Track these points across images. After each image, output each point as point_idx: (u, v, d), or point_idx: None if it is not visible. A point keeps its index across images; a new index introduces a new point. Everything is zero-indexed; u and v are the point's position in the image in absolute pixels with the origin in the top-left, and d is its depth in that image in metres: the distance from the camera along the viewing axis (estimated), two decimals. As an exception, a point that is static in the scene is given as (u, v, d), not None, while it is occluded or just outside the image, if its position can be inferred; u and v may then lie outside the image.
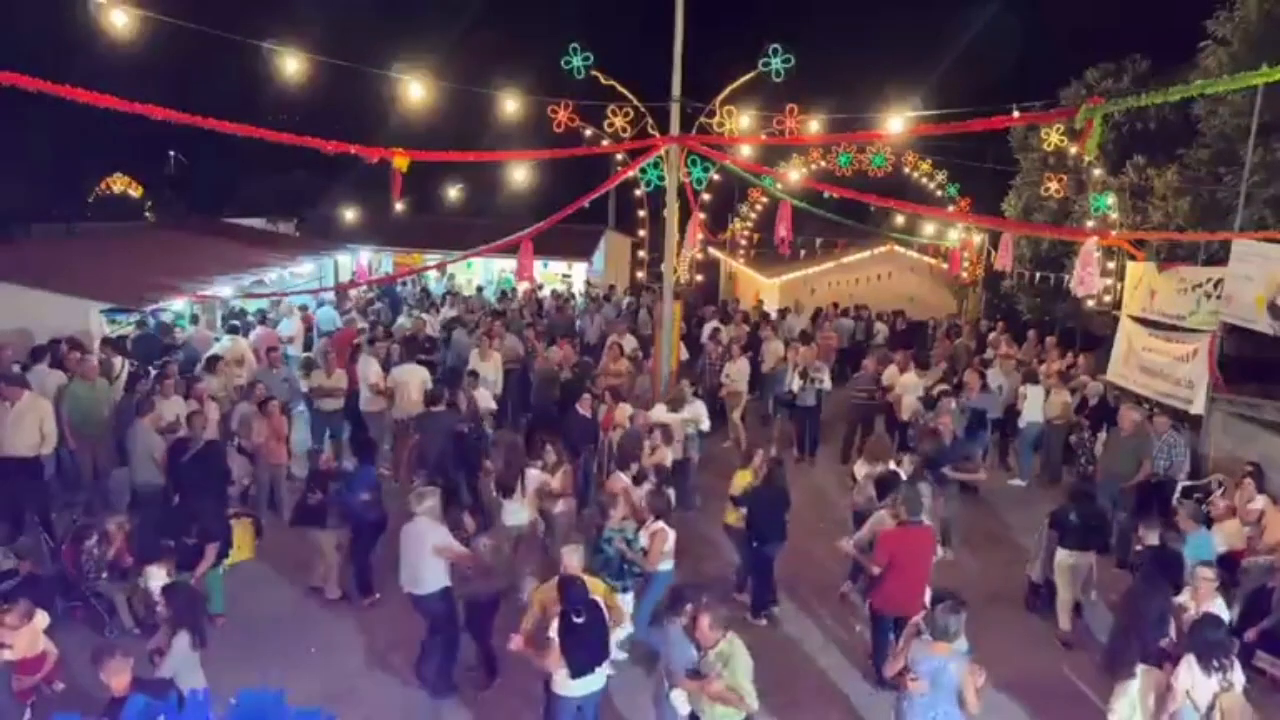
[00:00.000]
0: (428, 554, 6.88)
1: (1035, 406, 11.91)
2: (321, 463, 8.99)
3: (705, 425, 10.98)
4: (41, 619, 6.40)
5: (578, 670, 5.75)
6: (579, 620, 5.73)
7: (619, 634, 6.46)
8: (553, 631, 5.74)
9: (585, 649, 5.76)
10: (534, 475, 8.59)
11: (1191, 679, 5.48)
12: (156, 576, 7.12)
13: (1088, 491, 8.93)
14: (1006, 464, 12.83)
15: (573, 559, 6.35)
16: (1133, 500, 9.68)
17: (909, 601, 6.83)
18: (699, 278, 22.86)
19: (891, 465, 9.00)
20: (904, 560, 6.95)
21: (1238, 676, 5.56)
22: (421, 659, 7.18)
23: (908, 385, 12.32)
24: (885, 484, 8.23)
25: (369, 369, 11.70)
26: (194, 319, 14.81)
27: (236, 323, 14.10)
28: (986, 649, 7.78)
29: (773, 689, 7.26)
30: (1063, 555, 8.19)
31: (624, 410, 10.63)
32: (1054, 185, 17.39)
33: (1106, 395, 11.93)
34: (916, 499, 7.20)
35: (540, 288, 21.04)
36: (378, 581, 8.63)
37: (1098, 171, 16.40)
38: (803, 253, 23.62)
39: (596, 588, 6.25)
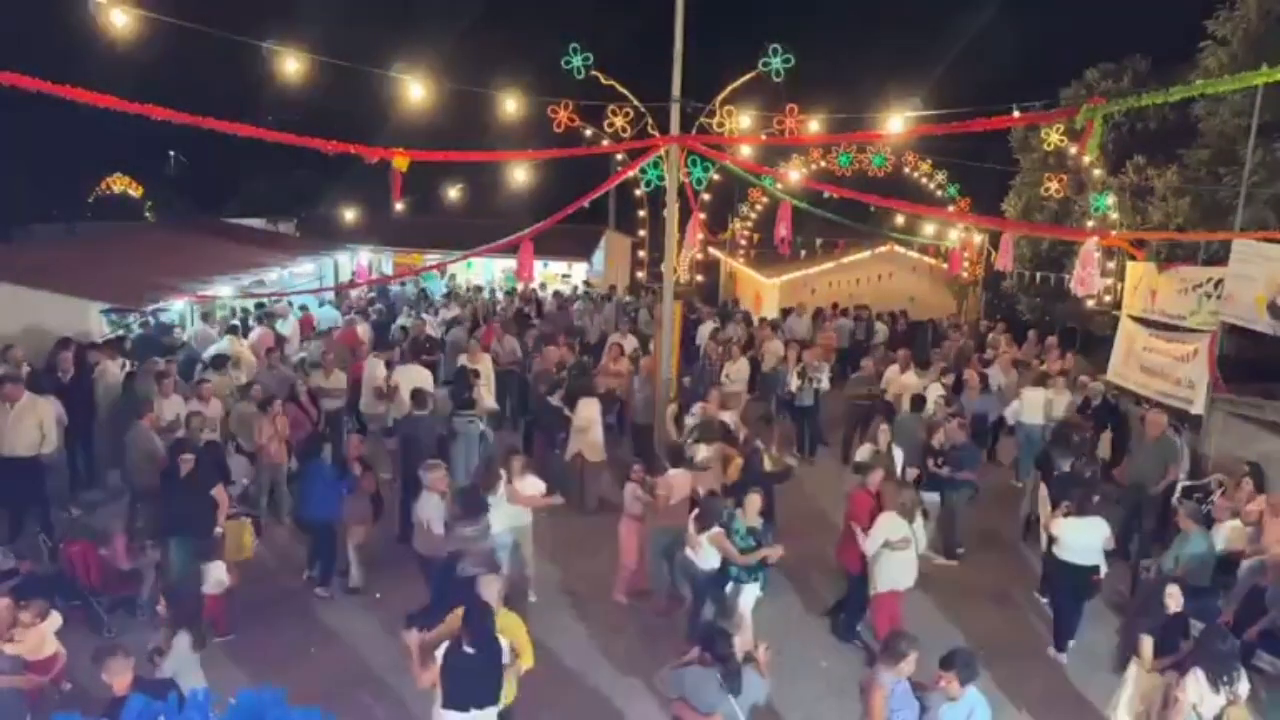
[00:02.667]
0: None
1: (1034, 408, 11.87)
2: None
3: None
4: (54, 620, 6.40)
5: (452, 702, 5.40)
6: (469, 652, 5.36)
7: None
8: (440, 652, 5.43)
9: (466, 682, 5.37)
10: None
11: (1199, 693, 5.45)
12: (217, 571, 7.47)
13: (1069, 435, 9.86)
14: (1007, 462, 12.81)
15: (490, 589, 5.88)
16: (1160, 505, 9.67)
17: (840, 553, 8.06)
18: (699, 278, 22.88)
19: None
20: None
21: (1243, 688, 5.54)
22: None
23: (908, 385, 12.32)
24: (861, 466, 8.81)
25: (375, 371, 11.70)
26: (201, 317, 14.85)
27: (236, 323, 14.11)
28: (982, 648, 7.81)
29: (771, 690, 7.27)
30: (1046, 490, 8.89)
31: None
32: (1054, 185, 17.41)
33: (1107, 395, 11.94)
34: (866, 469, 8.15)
35: (542, 287, 21.04)
36: (377, 580, 8.66)
37: (1098, 171, 16.41)
38: (803, 253, 23.63)
39: (513, 629, 5.81)
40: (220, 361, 11.54)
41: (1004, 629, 8.37)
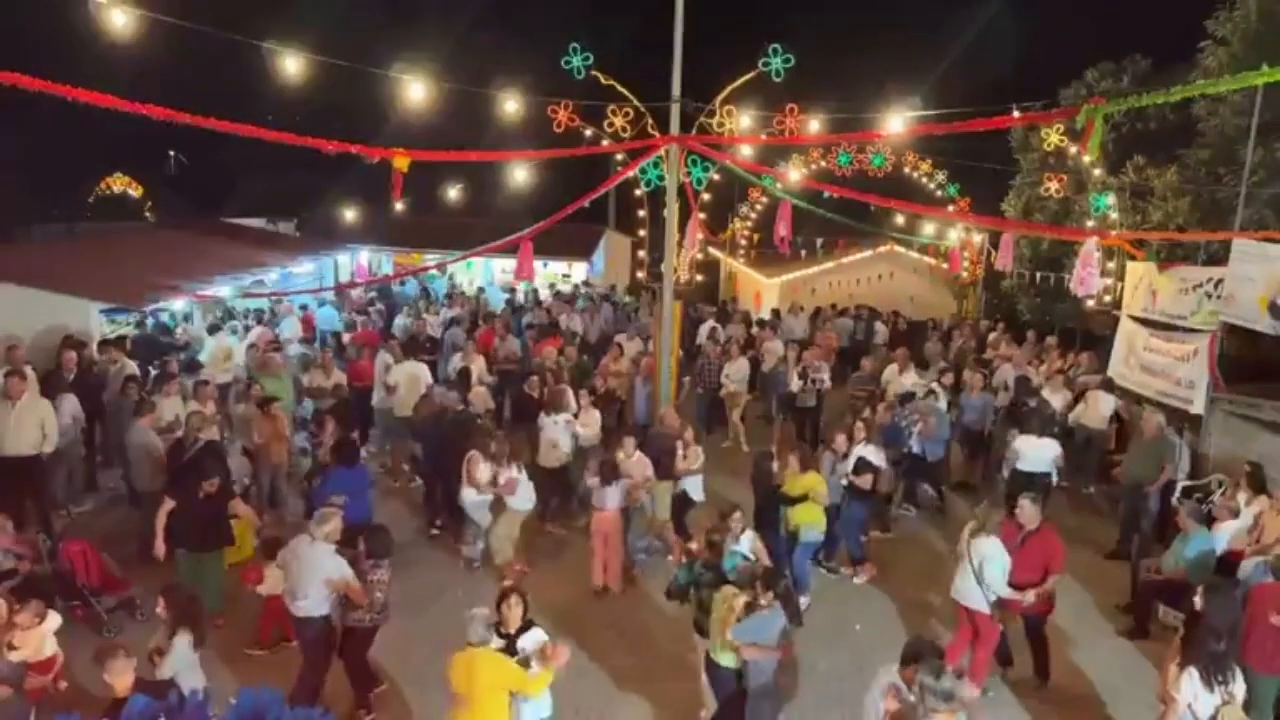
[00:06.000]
0: (317, 581, 6.41)
1: (1095, 416, 11.65)
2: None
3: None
4: (52, 621, 6.39)
5: None
6: None
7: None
8: None
9: None
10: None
11: (1194, 692, 5.44)
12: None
13: (1032, 386, 11.28)
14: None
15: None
16: (1156, 503, 9.73)
17: None
18: (699, 278, 22.86)
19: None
20: None
21: (1239, 688, 5.53)
22: (297, 685, 6.58)
23: (907, 385, 12.31)
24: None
25: (384, 363, 11.82)
26: (188, 317, 14.90)
27: (235, 323, 14.13)
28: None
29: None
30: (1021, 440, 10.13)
31: (564, 391, 10.79)
32: (1054, 185, 17.40)
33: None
34: None
35: (550, 287, 21.09)
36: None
37: (1098, 171, 16.40)
38: (803, 253, 23.62)
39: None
40: (193, 365, 11.68)
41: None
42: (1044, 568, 7.08)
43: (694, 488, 9.61)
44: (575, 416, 10.40)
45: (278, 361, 11.43)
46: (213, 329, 13.86)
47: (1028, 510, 7.13)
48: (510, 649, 5.59)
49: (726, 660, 6.19)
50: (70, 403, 9.82)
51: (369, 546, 6.54)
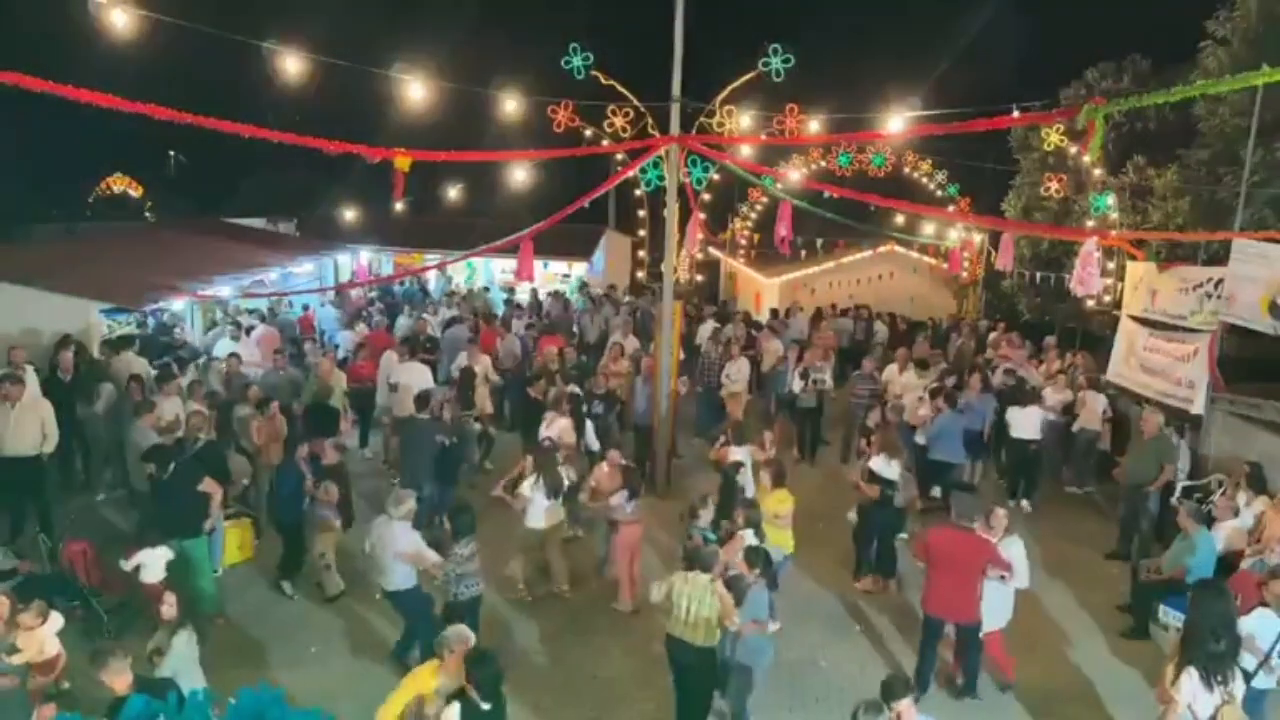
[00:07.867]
0: (392, 557, 7.10)
1: (1093, 416, 11.72)
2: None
3: None
4: (55, 621, 6.39)
5: None
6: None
7: None
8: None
9: None
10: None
11: (1194, 693, 5.44)
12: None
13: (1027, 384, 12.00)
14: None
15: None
16: (1156, 503, 9.74)
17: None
18: (699, 278, 22.86)
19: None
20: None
21: (1238, 688, 5.53)
22: (402, 642, 7.45)
23: (908, 385, 12.31)
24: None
25: (389, 364, 11.84)
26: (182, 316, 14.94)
27: (236, 322, 14.11)
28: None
29: (771, 689, 7.27)
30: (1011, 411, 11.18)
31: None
32: (1054, 185, 17.40)
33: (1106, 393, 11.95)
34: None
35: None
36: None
37: (1098, 171, 16.41)
38: (803, 253, 23.61)
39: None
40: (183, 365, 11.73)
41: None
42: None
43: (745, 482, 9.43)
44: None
45: (325, 367, 11.38)
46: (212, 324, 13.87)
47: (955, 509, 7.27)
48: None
49: (697, 639, 6.20)
50: (107, 390, 10.21)
51: (454, 525, 7.09)
